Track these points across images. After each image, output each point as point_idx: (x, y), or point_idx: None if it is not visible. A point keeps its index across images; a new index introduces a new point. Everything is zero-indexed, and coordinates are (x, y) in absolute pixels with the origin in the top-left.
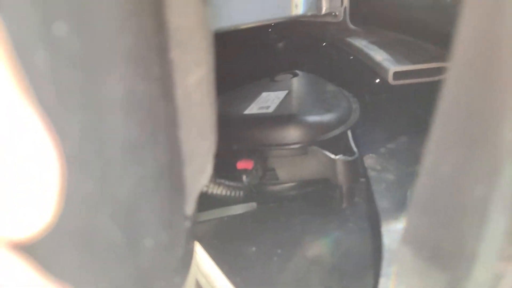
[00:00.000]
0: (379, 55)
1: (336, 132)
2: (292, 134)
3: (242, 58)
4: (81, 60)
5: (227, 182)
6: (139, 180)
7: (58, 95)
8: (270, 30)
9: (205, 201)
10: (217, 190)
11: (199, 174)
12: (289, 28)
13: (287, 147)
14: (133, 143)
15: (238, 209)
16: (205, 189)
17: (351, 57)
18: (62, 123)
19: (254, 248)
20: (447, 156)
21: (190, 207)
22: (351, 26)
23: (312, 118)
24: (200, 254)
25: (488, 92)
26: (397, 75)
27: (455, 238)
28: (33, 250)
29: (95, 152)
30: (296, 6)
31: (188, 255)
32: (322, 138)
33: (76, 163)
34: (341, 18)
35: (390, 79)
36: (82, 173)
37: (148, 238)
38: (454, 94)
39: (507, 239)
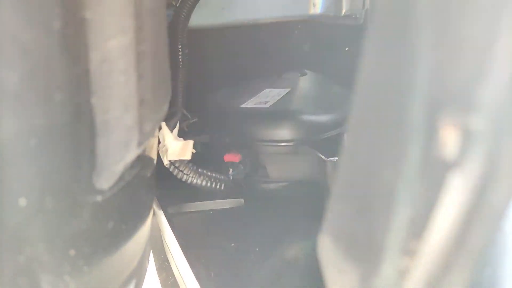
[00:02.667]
0: None
1: (331, 133)
2: (284, 131)
3: (257, 53)
4: None
5: (209, 173)
6: (18, 135)
7: None
8: (291, 28)
9: (191, 193)
10: (197, 180)
11: (119, 148)
12: (311, 28)
13: (277, 144)
14: (13, 92)
15: (224, 204)
16: (185, 177)
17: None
18: None
19: (233, 244)
20: (360, 140)
21: (104, 181)
22: None
23: (307, 118)
24: (173, 244)
25: (392, 83)
26: None
27: (366, 228)
28: None
29: None
30: (314, 5)
31: (108, 234)
32: (315, 138)
33: None
34: (361, 21)
35: None
36: None
37: (22, 198)
38: (364, 89)
39: (411, 232)
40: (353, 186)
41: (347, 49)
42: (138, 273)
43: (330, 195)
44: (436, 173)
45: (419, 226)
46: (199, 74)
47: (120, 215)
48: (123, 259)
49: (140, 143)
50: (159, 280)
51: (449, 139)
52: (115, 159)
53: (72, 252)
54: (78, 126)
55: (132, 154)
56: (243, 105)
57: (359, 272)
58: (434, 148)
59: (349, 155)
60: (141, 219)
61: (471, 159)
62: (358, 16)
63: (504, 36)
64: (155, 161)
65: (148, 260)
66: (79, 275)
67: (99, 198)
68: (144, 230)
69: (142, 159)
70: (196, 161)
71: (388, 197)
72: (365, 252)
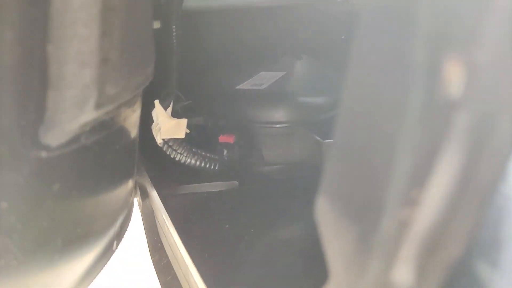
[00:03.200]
0: None
1: (326, 115)
2: (279, 113)
3: (253, 36)
4: None
5: (203, 153)
6: None
7: None
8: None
9: (185, 175)
10: (191, 159)
11: (72, 105)
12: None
13: (273, 125)
14: None
15: (218, 186)
16: (179, 157)
17: None
18: None
19: (227, 226)
20: (359, 91)
21: (52, 137)
22: None
23: (302, 99)
24: (167, 225)
25: (393, 22)
26: None
27: (364, 184)
28: None
29: None
30: None
31: (53, 195)
32: (310, 120)
33: None
34: (357, 8)
35: None
36: None
37: None
38: (364, 29)
39: (413, 181)
40: (351, 143)
41: (343, 37)
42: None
43: (327, 157)
44: (440, 114)
45: (421, 174)
46: (193, 55)
47: (71, 178)
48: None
49: (99, 105)
50: (152, 262)
51: (454, 76)
52: (67, 116)
53: (4, 205)
54: (28, 71)
55: (88, 115)
56: (238, 87)
57: (357, 230)
58: (438, 87)
59: (347, 111)
60: (103, 191)
61: (477, 94)
62: (354, 2)
63: None
64: (131, 135)
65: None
66: (15, 232)
67: (43, 154)
68: (112, 203)
69: (108, 126)
70: (189, 142)
71: (389, 148)
72: (363, 209)
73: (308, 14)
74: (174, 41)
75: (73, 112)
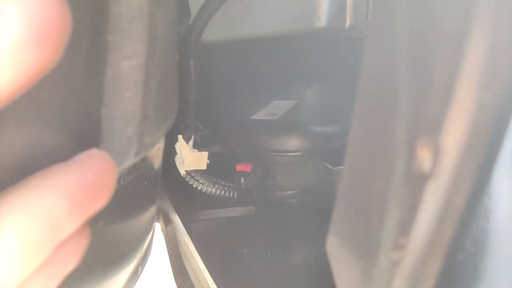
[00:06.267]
0: None
1: (338, 143)
2: (292, 142)
3: (265, 65)
4: None
5: (222, 182)
6: (37, 137)
7: None
8: (294, 40)
9: (205, 201)
10: (212, 189)
11: (118, 156)
12: (315, 40)
13: (286, 154)
14: (39, 100)
15: (236, 212)
16: (200, 186)
17: None
18: None
19: (245, 250)
20: (359, 155)
21: None
22: None
23: (314, 129)
24: (190, 249)
25: (383, 103)
26: None
27: (365, 228)
28: None
29: None
30: (319, 18)
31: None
32: (322, 148)
33: None
34: (364, 33)
35: None
36: None
37: None
38: (360, 108)
39: (400, 229)
40: (353, 192)
41: (351, 59)
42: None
43: (336, 200)
44: (416, 183)
45: (406, 225)
46: (208, 86)
47: (112, 214)
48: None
49: (137, 153)
50: (176, 284)
51: (425, 157)
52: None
53: None
54: (87, 132)
55: (129, 162)
56: (253, 117)
57: (360, 265)
58: (415, 163)
59: (350, 165)
60: (133, 220)
61: (442, 171)
62: (361, 28)
63: (463, 76)
64: (156, 167)
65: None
66: None
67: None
68: (139, 230)
69: (140, 167)
70: (208, 170)
71: (381, 201)
72: (364, 248)
73: (317, 42)
74: (192, 75)
75: (118, 160)
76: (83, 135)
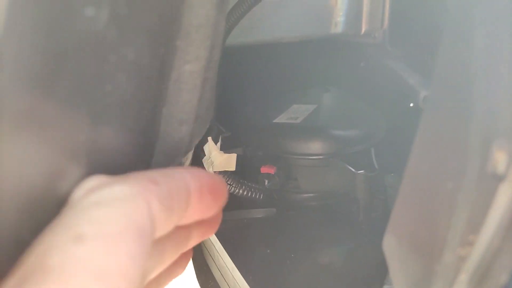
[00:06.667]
0: (412, 79)
1: (359, 148)
2: (316, 145)
3: (283, 70)
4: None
5: (249, 183)
6: (111, 134)
7: None
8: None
9: (228, 203)
10: (239, 190)
11: (169, 155)
12: (331, 46)
13: (309, 157)
14: (123, 101)
15: (258, 213)
16: (228, 187)
17: (387, 79)
18: None
19: (268, 250)
20: (425, 159)
21: None
22: (390, 48)
23: (336, 133)
24: (219, 248)
25: (457, 109)
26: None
27: (429, 228)
28: None
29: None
30: (336, 24)
31: None
32: (344, 152)
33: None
34: (380, 40)
35: (420, 102)
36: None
37: None
38: (431, 111)
39: (468, 228)
40: (417, 194)
41: (362, 64)
42: None
43: (395, 203)
44: (489, 185)
45: (476, 224)
46: (229, 89)
47: None
48: None
49: (185, 153)
50: (198, 283)
51: (500, 160)
52: (163, 165)
53: None
54: (149, 131)
55: (177, 161)
56: (274, 121)
57: (422, 262)
58: (489, 166)
59: (413, 169)
60: None
61: None
62: (376, 35)
63: None
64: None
65: None
66: None
67: None
68: None
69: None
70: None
71: (450, 203)
72: (427, 246)
73: (333, 48)
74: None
75: (169, 159)
76: (146, 133)
